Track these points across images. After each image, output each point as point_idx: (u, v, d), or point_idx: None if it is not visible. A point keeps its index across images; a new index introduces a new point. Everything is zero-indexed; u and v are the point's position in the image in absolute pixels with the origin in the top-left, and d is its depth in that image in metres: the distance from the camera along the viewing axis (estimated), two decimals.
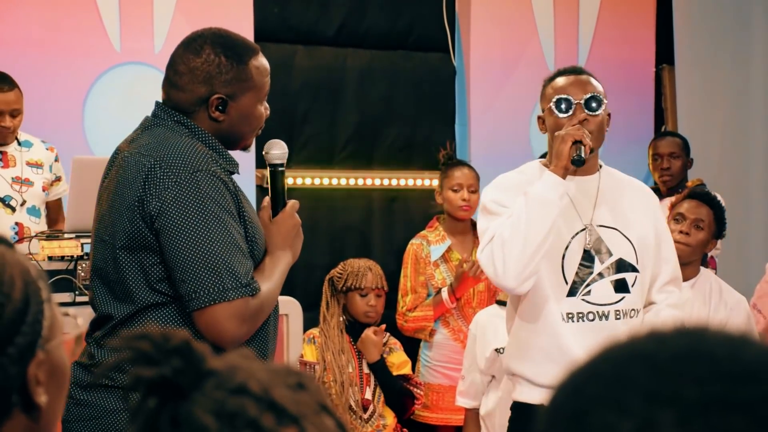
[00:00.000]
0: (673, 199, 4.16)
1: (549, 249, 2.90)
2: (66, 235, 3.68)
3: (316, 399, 0.92)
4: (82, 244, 3.59)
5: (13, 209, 4.42)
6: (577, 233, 3.00)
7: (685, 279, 3.52)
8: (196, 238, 2.27)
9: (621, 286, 3.00)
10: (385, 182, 5.59)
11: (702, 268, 3.91)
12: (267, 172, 2.57)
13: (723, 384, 0.71)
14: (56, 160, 4.57)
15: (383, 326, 4.49)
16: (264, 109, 2.48)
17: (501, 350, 3.99)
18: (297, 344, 4.32)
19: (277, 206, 2.53)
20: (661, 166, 5.25)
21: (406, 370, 4.54)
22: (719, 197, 4.74)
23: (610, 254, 3.00)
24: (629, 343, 0.78)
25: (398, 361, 4.52)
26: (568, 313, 2.96)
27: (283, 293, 4.35)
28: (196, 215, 2.28)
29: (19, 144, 4.48)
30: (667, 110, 6.25)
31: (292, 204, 2.54)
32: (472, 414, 4.17)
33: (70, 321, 1.41)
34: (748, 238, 6.04)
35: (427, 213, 5.01)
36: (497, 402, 4.01)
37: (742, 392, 0.71)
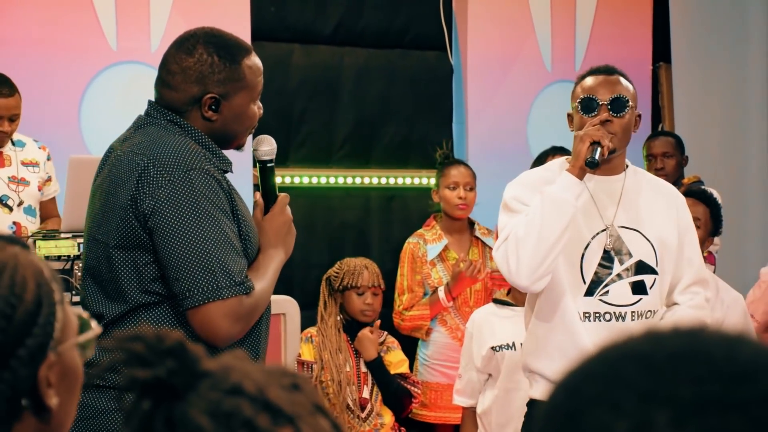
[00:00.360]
0: None
1: (568, 248, 2.90)
2: (62, 235, 3.68)
3: (311, 399, 0.92)
4: (78, 244, 3.58)
5: (11, 209, 4.41)
6: (597, 233, 2.99)
7: None
8: (189, 236, 2.27)
9: (639, 288, 3.00)
10: (383, 181, 5.59)
11: None
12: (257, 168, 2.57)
13: (719, 384, 0.71)
14: (48, 159, 4.56)
15: (378, 322, 4.48)
16: (257, 108, 2.48)
17: (497, 349, 4.00)
18: (294, 343, 4.31)
19: (269, 202, 2.52)
20: (655, 166, 5.25)
21: (404, 368, 4.55)
22: (716, 194, 4.74)
23: (630, 255, 3.00)
24: (625, 343, 0.78)
25: (395, 360, 4.53)
26: (585, 313, 2.97)
27: (280, 292, 4.39)
28: (190, 214, 2.27)
29: (13, 144, 4.47)
30: (664, 108, 6.25)
31: (282, 199, 2.53)
32: (469, 412, 4.17)
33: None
34: (745, 235, 6.05)
35: (424, 212, 5.02)
36: (493, 400, 4.01)
37: (739, 392, 0.71)
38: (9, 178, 4.43)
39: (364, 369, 4.46)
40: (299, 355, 4.42)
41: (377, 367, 4.44)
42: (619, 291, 2.98)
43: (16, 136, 4.48)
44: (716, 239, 4.89)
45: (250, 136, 2.56)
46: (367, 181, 5.55)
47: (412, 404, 4.54)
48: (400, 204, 5.59)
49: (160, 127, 2.40)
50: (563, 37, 5.90)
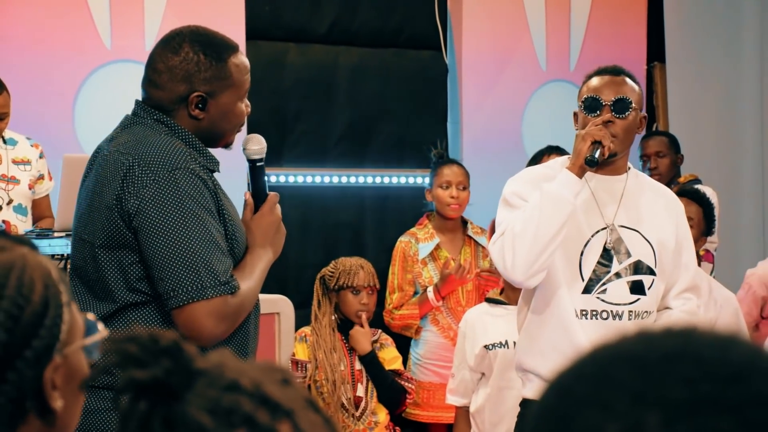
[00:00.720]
0: None
1: (567, 244, 2.90)
2: (56, 234, 3.67)
3: (302, 394, 0.92)
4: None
5: (0, 208, 4.40)
6: (598, 231, 2.99)
7: None
8: (174, 235, 2.26)
9: (637, 288, 2.99)
10: (378, 180, 5.59)
11: None
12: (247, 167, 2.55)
13: (711, 385, 0.71)
14: (41, 156, 4.54)
15: (364, 316, 4.46)
16: (245, 106, 2.47)
17: (490, 347, 4.00)
18: (289, 343, 4.31)
19: (259, 202, 2.51)
20: (649, 166, 5.26)
21: (397, 365, 4.55)
22: (711, 192, 4.75)
23: (629, 255, 2.99)
24: (617, 344, 0.78)
25: (389, 357, 4.53)
26: (582, 310, 2.96)
27: (274, 291, 4.39)
28: (175, 213, 2.27)
29: (4, 142, 4.45)
30: (659, 108, 6.26)
31: (271, 199, 2.52)
32: (463, 411, 4.18)
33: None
34: (740, 234, 6.06)
35: (419, 211, 5.02)
36: (486, 399, 4.01)
37: (730, 393, 0.71)
38: None
39: (358, 367, 4.46)
40: (293, 355, 4.42)
41: (371, 362, 4.44)
42: (617, 289, 2.98)
43: (8, 134, 4.46)
44: (715, 237, 4.90)
45: (239, 135, 2.55)
46: (361, 180, 5.56)
47: (407, 400, 4.54)
48: (394, 203, 5.59)
49: (146, 127, 2.40)
50: (558, 36, 5.91)
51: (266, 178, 2.56)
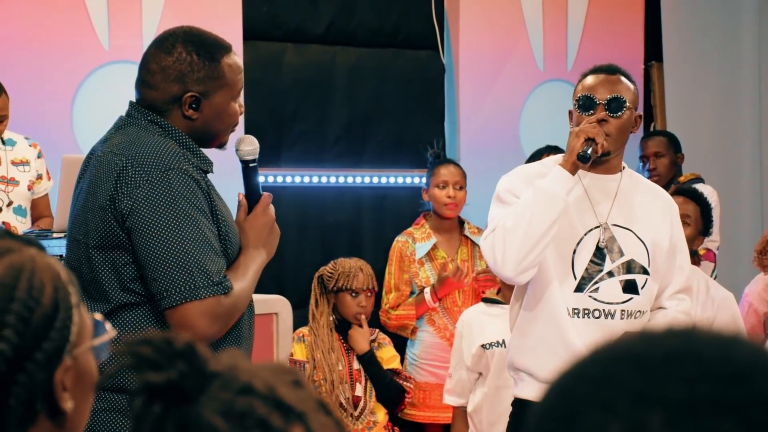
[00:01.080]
0: None
1: (559, 242, 2.90)
2: (54, 235, 3.67)
3: (313, 396, 0.92)
4: None
5: (0, 209, 4.39)
6: (591, 229, 2.99)
7: None
8: (167, 236, 2.26)
9: (630, 287, 2.99)
10: (375, 180, 5.59)
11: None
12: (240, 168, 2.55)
13: (712, 385, 0.71)
14: (39, 156, 4.54)
15: (363, 316, 4.47)
16: (238, 106, 2.47)
17: (487, 346, 4.00)
18: (287, 343, 4.31)
19: (252, 203, 2.51)
20: (648, 167, 5.25)
21: (395, 364, 4.55)
22: (711, 190, 4.75)
23: (622, 254, 2.98)
24: (618, 344, 0.78)
25: (387, 356, 4.53)
26: (574, 309, 2.95)
27: (272, 292, 4.38)
28: (168, 214, 2.27)
29: (3, 143, 4.44)
30: (656, 107, 6.26)
31: (264, 199, 2.51)
32: (460, 411, 4.18)
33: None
34: (738, 233, 6.06)
35: (416, 211, 5.02)
36: (483, 398, 4.01)
37: (732, 393, 0.71)
38: None
39: (356, 367, 4.46)
40: (291, 355, 4.42)
41: (369, 361, 4.44)
42: (610, 288, 2.97)
43: (6, 135, 4.45)
44: (716, 236, 4.89)
45: (233, 136, 2.55)
46: (359, 180, 5.56)
47: (405, 399, 4.54)
48: (392, 203, 5.59)
49: (140, 128, 2.40)
50: (555, 36, 5.91)
51: (259, 178, 2.56)
